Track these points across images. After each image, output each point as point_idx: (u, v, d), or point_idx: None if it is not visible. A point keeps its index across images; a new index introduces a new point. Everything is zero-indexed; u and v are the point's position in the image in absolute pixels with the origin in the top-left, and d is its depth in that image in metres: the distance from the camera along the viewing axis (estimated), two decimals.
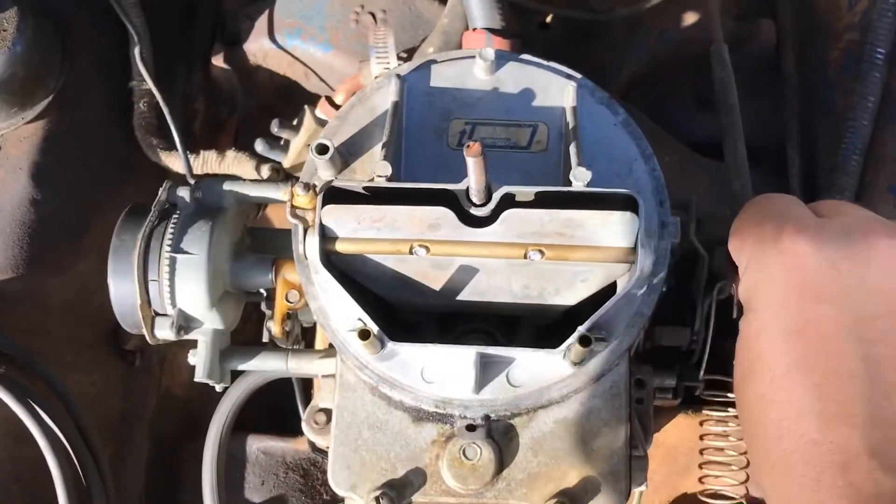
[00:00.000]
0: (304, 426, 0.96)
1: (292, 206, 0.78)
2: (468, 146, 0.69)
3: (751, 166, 1.25)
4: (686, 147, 1.35)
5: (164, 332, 0.92)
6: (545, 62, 0.91)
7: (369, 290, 0.85)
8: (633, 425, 0.85)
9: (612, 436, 0.83)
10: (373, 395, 0.85)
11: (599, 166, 0.82)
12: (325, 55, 1.38)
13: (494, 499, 0.83)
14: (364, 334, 0.77)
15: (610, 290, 0.82)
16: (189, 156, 1.23)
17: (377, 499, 0.81)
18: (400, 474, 0.83)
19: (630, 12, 1.35)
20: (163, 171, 1.31)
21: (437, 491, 0.83)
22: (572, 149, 0.80)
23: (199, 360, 0.95)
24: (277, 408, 1.34)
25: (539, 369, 0.82)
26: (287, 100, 1.49)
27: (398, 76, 0.89)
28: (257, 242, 1.03)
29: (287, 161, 1.31)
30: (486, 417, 0.83)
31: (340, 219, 0.76)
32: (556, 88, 0.89)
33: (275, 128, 1.29)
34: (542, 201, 0.75)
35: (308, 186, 0.77)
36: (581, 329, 0.76)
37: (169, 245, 0.91)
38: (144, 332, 0.92)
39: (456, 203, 0.76)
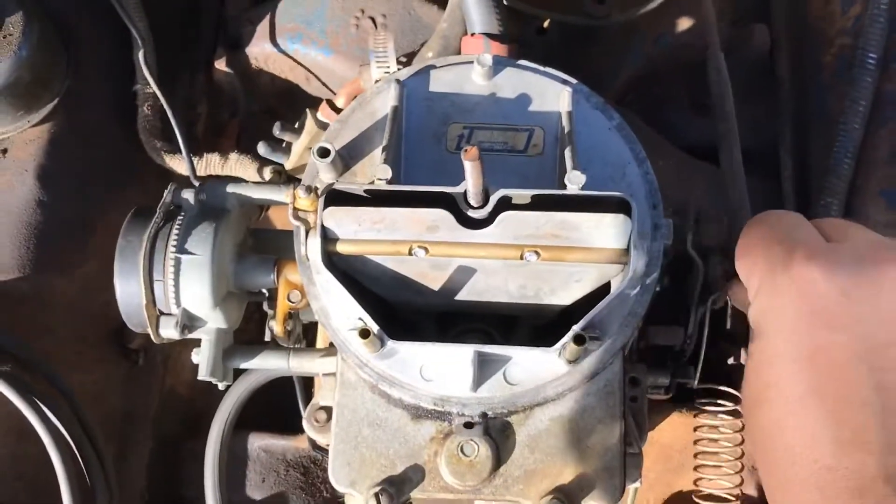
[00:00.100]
0: (304, 424, 0.97)
1: (294, 209, 0.80)
2: (465, 150, 0.71)
3: (744, 170, 1.27)
4: (682, 151, 1.37)
5: (169, 331, 0.94)
6: (541, 67, 0.93)
7: (369, 291, 0.87)
8: (627, 423, 0.86)
9: (606, 433, 0.85)
10: (373, 392, 0.87)
11: (594, 170, 0.84)
12: (326, 59, 1.39)
13: (492, 495, 0.84)
14: (364, 333, 0.78)
15: (604, 290, 0.83)
16: (192, 158, 1.25)
17: (377, 495, 0.82)
18: (399, 471, 0.85)
19: (626, 17, 1.36)
20: (166, 174, 1.32)
21: (435, 487, 0.85)
22: (567, 153, 0.82)
23: (202, 358, 0.97)
24: (278, 406, 1.35)
25: (535, 368, 0.84)
26: (289, 103, 1.50)
27: (398, 81, 0.91)
28: (260, 243, 1.05)
29: (289, 163, 1.32)
30: (484, 415, 0.85)
31: (341, 220, 0.78)
32: (552, 93, 0.91)
33: (277, 130, 1.30)
34: (538, 204, 0.77)
35: (310, 189, 0.79)
36: (576, 328, 0.78)
37: (174, 246, 0.93)
38: (149, 331, 0.94)
39: (454, 205, 0.77)
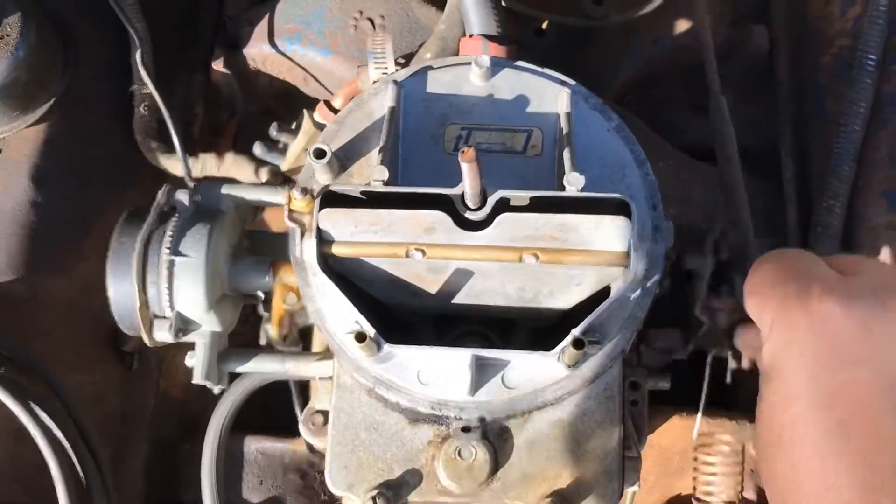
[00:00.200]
0: (301, 428, 0.97)
1: (290, 210, 0.80)
2: (463, 152, 0.70)
3: (744, 172, 1.26)
4: (681, 152, 1.36)
5: (163, 334, 0.93)
6: (540, 69, 0.93)
7: (366, 293, 0.86)
8: (626, 426, 0.86)
9: (605, 437, 0.85)
10: (369, 396, 0.87)
11: (593, 171, 0.84)
12: (325, 60, 1.39)
13: (489, 499, 0.84)
14: (361, 337, 0.78)
15: (604, 293, 0.83)
16: (189, 159, 1.24)
17: (374, 498, 0.82)
18: (396, 475, 0.85)
19: (624, 19, 1.36)
20: (163, 174, 1.32)
21: (432, 491, 0.84)
22: (566, 154, 0.82)
23: (197, 362, 0.96)
24: (275, 409, 1.34)
25: (534, 371, 0.83)
26: (286, 104, 1.50)
27: (395, 82, 0.90)
28: (255, 245, 1.04)
29: (285, 164, 1.32)
30: (482, 419, 0.84)
31: (337, 222, 0.77)
32: (550, 94, 0.90)
33: (273, 131, 1.30)
34: (536, 206, 0.77)
35: (305, 190, 0.79)
36: (575, 332, 0.77)
37: (168, 248, 0.92)
38: (143, 334, 0.93)
39: (452, 207, 0.77)
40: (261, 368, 1.00)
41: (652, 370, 1.01)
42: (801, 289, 0.71)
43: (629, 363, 0.98)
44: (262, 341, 1.01)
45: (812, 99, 1.39)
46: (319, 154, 0.84)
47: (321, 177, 0.88)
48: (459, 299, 0.85)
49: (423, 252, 0.77)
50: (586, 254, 0.76)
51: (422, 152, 0.90)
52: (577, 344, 0.77)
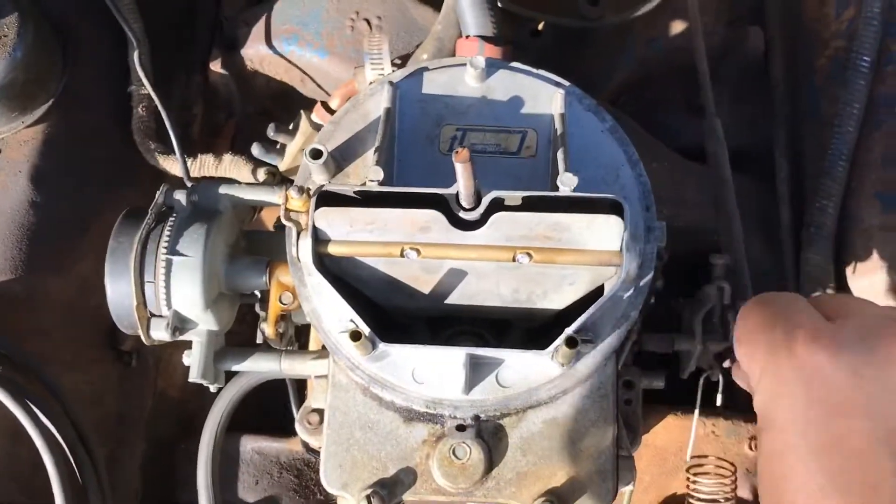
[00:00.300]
0: (297, 427, 0.97)
1: (286, 210, 0.80)
2: (456, 152, 0.71)
3: (739, 171, 1.27)
4: (675, 153, 1.37)
5: (160, 332, 0.93)
6: (534, 70, 0.93)
7: (362, 294, 0.86)
8: (619, 425, 0.86)
9: (599, 436, 0.85)
10: (364, 395, 0.87)
11: (587, 172, 0.84)
12: (322, 61, 1.40)
13: (484, 497, 0.84)
14: (355, 335, 0.78)
15: (597, 293, 0.83)
16: (187, 159, 1.25)
17: (368, 497, 0.82)
18: (391, 473, 0.85)
19: (620, 20, 1.37)
20: (161, 175, 1.32)
21: (427, 490, 0.84)
22: (560, 154, 0.82)
23: (193, 360, 0.96)
24: (272, 408, 1.35)
25: (528, 370, 0.84)
26: (284, 104, 1.50)
27: (391, 83, 0.91)
28: (252, 245, 1.04)
29: (283, 165, 1.32)
30: (476, 417, 0.85)
31: (333, 221, 0.78)
32: (544, 95, 0.91)
33: (271, 132, 1.31)
34: (530, 206, 0.77)
35: (302, 190, 0.79)
36: (568, 330, 0.78)
37: (165, 247, 0.92)
38: (140, 332, 0.94)
39: (446, 207, 0.77)
40: (257, 367, 1.00)
41: (646, 369, 1.01)
42: (786, 335, 0.71)
43: (624, 362, 0.98)
44: (259, 340, 1.02)
45: (807, 100, 1.39)
46: (316, 154, 0.84)
47: (317, 177, 0.89)
48: (454, 300, 0.85)
49: (418, 251, 0.78)
50: (579, 253, 0.77)
51: (417, 153, 0.90)
52: (571, 342, 0.77)
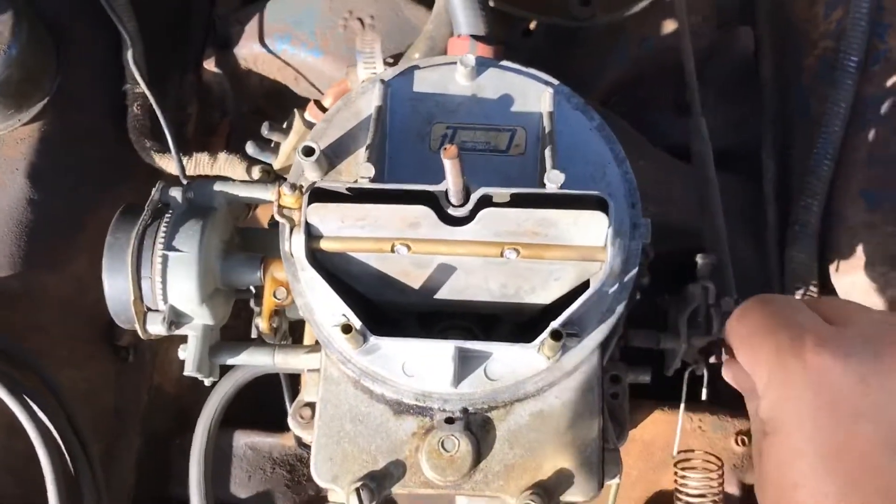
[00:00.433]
0: (290, 421, 0.99)
1: (279, 206, 0.81)
2: (445, 149, 0.72)
3: (726, 171, 1.28)
4: (663, 151, 1.38)
5: (156, 327, 0.95)
6: (524, 68, 0.94)
7: (353, 290, 0.88)
8: (605, 419, 0.87)
9: (585, 428, 0.86)
10: (355, 388, 0.88)
11: (574, 169, 0.85)
12: (315, 60, 1.41)
13: (472, 490, 0.86)
14: (347, 328, 0.80)
15: (583, 288, 0.84)
16: (182, 158, 1.26)
17: (358, 490, 0.83)
18: (380, 466, 0.86)
19: (611, 20, 1.38)
20: (156, 173, 1.34)
21: (416, 482, 0.86)
22: (547, 152, 0.83)
23: (188, 354, 0.97)
24: (265, 404, 1.36)
25: (515, 364, 0.85)
26: (277, 103, 1.51)
27: (382, 81, 0.92)
28: (246, 241, 1.06)
29: (277, 163, 1.33)
30: (465, 410, 0.86)
31: (325, 217, 0.79)
32: (534, 94, 0.92)
33: (265, 130, 1.32)
34: (518, 202, 0.78)
35: (294, 187, 0.80)
36: (554, 324, 0.79)
37: (161, 243, 0.93)
38: (137, 327, 0.95)
39: (436, 203, 0.79)
40: (251, 361, 1.02)
41: (632, 364, 1.03)
42: (793, 340, 0.71)
43: (611, 357, 1.00)
44: (254, 335, 1.03)
45: (795, 99, 1.41)
46: (308, 152, 0.86)
47: (310, 174, 0.90)
48: (443, 295, 0.87)
49: (409, 247, 0.79)
50: (565, 249, 0.78)
51: (408, 150, 0.92)
52: (556, 335, 0.79)
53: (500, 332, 0.95)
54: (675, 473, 1.12)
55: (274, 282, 0.98)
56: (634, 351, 1.06)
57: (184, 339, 0.99)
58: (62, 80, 1.30)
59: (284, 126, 1.32)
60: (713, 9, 1.48)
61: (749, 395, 0.79)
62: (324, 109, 1.25)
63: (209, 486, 1.16)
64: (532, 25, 1.46)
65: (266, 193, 1.04)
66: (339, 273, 0.85)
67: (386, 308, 0.93)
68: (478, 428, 0.86)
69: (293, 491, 1.40)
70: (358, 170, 0.82)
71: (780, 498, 0.70)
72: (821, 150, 1.27)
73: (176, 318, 0.96)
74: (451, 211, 0.79)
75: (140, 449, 1.42)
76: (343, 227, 0.79)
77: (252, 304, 1.03)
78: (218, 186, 1.02)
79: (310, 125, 1.27)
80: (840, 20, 1.36)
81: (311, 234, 0.80)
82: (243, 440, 1.40)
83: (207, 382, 1.01)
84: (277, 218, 0.82)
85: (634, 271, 0.86)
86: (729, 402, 1.24)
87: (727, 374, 0.86)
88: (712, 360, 1.02)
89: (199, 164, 1.33)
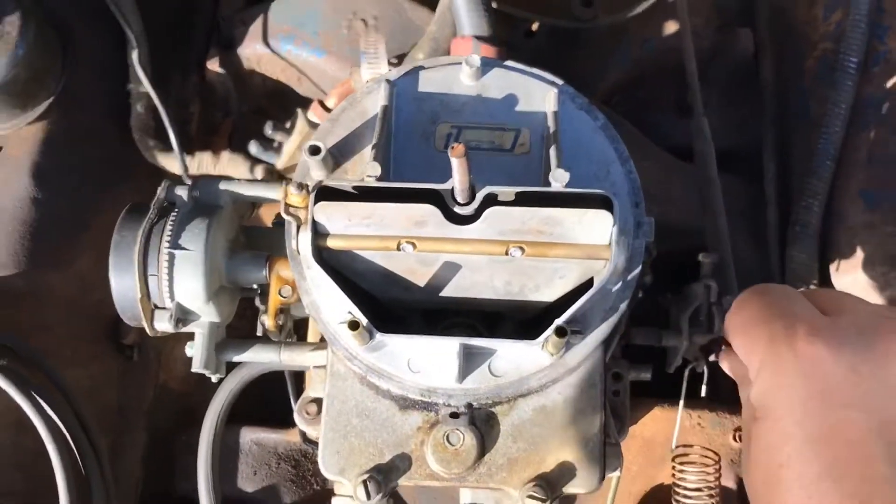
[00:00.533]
0: (296, 416, 0.99)
1: (286, 205, 0.82)
2: (453, 147, 0.73)
3: (728, 171, 1.30)
4: (665, 151, 1.39)
5: (163, 324, 0.95)
6: (528, 69, 0.95)
7: (359, 287, 0.88)
8: (606, 414, 0.89)
9: (587, 423, 0.87)
10: (361, 384, 0.89)
11: (579, 168, 0.86)
12: (318, 60, 1.42)
13: (476, 482, 0.87)
14: (354, 325, 0.80)
15: (587, 286, 0.85)
16: (185, 157, 1.27)
17: (365, 482, 0.85)
18: (387, 459, 0.87)
19: (613, 21, 1.39)
20: (159, 172, 1.35)
21: (421, 475, 0.87)
22: (552, 152, 0.84)
23: (196, 351, 0.98)
24: (270, 401, 1.37)
25: (519, 360, 0.86)
26: (280, 103, 1.52)
27: (388, 81, 0.93)
28: (252, 240, 1.06)
29: (280, 162, 1.34)
30: (469, 405, 0.87)
31: (332, 215, 0.80)
32: (538, 94, 0.93)
33: (268, 130, 1.33)
34: (523, 201, 0.79)
35: (302, 186, 0.81)
36: (558, 321, 0.80)
37: (168, 241, 0.94)
38: (144, 324, 0.95)
39: (441, 202, 0.79)
40: (258, 358, 1.02)
41: (634, 362, 1.04)
42: (786, 329, 0.72)
43: (613, 355, 1.01)
44: (259, 332, 1.04)
45: (795, 101, 1.42)
46: (314, 151, 0.87)
47: (316, 173, 0.91)
48: (449, 292, 0.88)
49: (414, 245, 0.80)
50: (570, 247, 0.79)
51: (413, 149, 0.92)
52: (560, 332, 0.79)
53: (504, 329, 0.96)
54: (674, 468, 1.13)
55: (279, 280, 0.99)
56: (634, 348, 1.08)
57: (189, 337, 1.00)
58: (67, 80, 1.31)
59: (287, 126, 1.33)
60: (714, 10, 1.49)
61: (742, 382, 0.81)
62: (327, 109, 1.26)
63: (217, 481, 1.17)
64: (534, 26, 1.47)
65: (271, 192, 1.04)
66: (345, 271, 0.86)
67: (391, 305, 0.94)
68: (482, 422, 0.87)
69: (298, 485, 1.41)
70: (364, 168, 0.83)
71: (766, 478, 0.72)
72: (821, 151, 1.28)
73: (183, 315, 0.96)
74: (456, 209, 0.79)
75: (145, 445, 1.43)
76: (349, 226, 0.80)
77: (257, 302, 1.04)
78: (223, 185, 1.02)
79: (313, 125, 1.28)
80: (839, 22, 1.37)
81: (318, 232, 0.81)
82: (249, 436, 1.41)
83: (214, 379, 1.02)
84: (284, 216, 0.82)
85: (638, 269, 0.87)
86: (727, 400, 1.25)
87: (723, 363, 0.88)
88: (712, 357, 1.03)
89: (202, 163, 1.34)
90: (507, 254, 0.80)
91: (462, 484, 0.87)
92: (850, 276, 1.24)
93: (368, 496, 0.85)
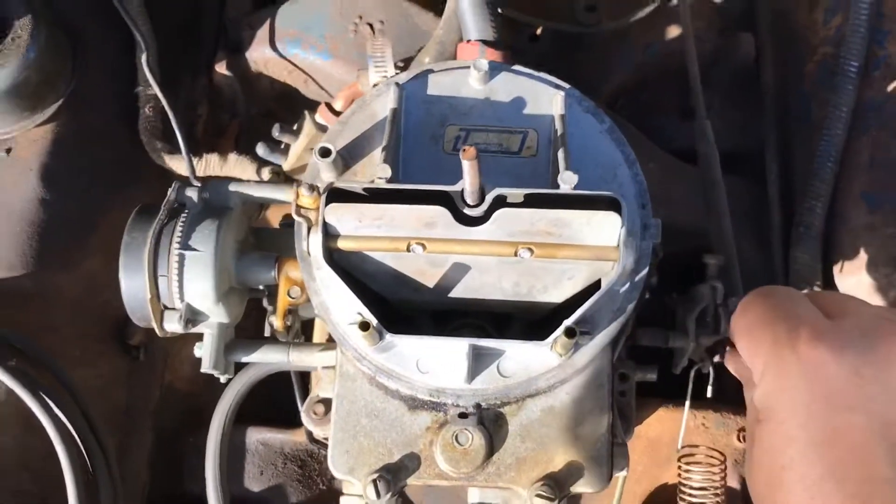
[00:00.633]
0: (303, 417, 1.00)
1: (297, 206, 0.83)
2: (464, 150, 0.74)
3: (731, 173, 1.30)
4: (668, 154, 1.40)
5: (173, 325, 0.96)
6: (535, 72, 0.96)
7: (369, 288, 0.89)
8: (613, 414, 0.90)
9: (595, 423, 0.88)
10: (371, 384, 0.90)
11: (586, 171, 0.87)
12: (325, 63, 1.42)
13: (485, 482, 0.88)
14: (364, 325, 0.81)
15: (595, 287, 0.86)
16: (192, 159, 1.28)
17: (374, 482, 0.85)
18: (396, 459, 0.88)
19: (616, 26, 1.40)
20: (167, 174, 1.35)
21: (430, 474, 0.88)
22: (560, 154, 0.85)
23: (205, 351, 0.99)
24: (276, 401, 1.38)
25: (528, 361, 0.87)
26: (287, 106, 1.53)
27: (397, 84, 0.94)
28: (260, 241, 1.07)
29: (287, 164, 1.35)
30: (478, 406, 0.88)
31: (343, 217, 0.81)
32: (545, 97, 0.94)
33: (276, 132, 1.34)
34: (532, 203, 0.80)
35: (312, 187, 0.82)
36: (567, 322, 0.81)
37: (178, 242, 0.95)
38: (154, 325, 0.96)
39: (451, 203, 0.80)
40: (266, 358, 1.03)
41: (640, 363, 1.05)
42: (790, 332, 0.72)
43: (619, 355, 1.02)
44: (267, 333, 1.05)
45: (796, 104, 1.43)
46: (325, 153, 0.88)
47: (326, 175, 0.92)
48: (458, 293, 0.89)
49: (424, 246, 0.81)
50: (578, 248, 0.80)
51: (422, 152, 0.93)
52: (569, 333, 0.80)
53: (513, 330, 0.97)
54: (679, 468, 1.14)
55: (288, 281, 0.99)
56: (638, 349, 1.09)
57: (197, 338, 1.00)
58: (76, 82, 1.31)
59: (294, 128, 1.34)
60: (716, 15, 1.51)
61: (747, 384, 0.81)
62: (335, 112, 1.27)
63: (225, 481, 1.17)
64: (538, 31, 1.48)
65: (280, 194, 1.05)
66: (355, 272, 0.87)
67: (400, 306, 0.94)
68: (490, 422, 0.88)
69: (304, 485, 1.42)
70: (374, 170, 0.84)
71: (769, 480, 0.72)
72: (823, 154, 1.29)
73: (192, 316, 0.97)
74: (466, 211, 0.81)
75: (152, 446, 1.44)
76: (360, 227, 0.81)
77: (265, 303, 1.05)
78: (233, 187, 1.03)
79: (321, 127, 1.29)
80: (839, 26, 1.38)
81: (329, 234, 0.82)
82: (255, 436, 1.42)
83: (223, 379, 1.03)
84: (295, 217, 0.83)
85: (645, 271, 0.88)
86: (732, 400, 1.26)
87: (729, 364, 0.89)
88: (716, 359, 1.04)
89: (210, 165, 1.35)
90: (516, 255, 0.80)
91: (471, 483, 0.88)
92: (854, 278, 1.25)
93: (378, 495, 0.86)
